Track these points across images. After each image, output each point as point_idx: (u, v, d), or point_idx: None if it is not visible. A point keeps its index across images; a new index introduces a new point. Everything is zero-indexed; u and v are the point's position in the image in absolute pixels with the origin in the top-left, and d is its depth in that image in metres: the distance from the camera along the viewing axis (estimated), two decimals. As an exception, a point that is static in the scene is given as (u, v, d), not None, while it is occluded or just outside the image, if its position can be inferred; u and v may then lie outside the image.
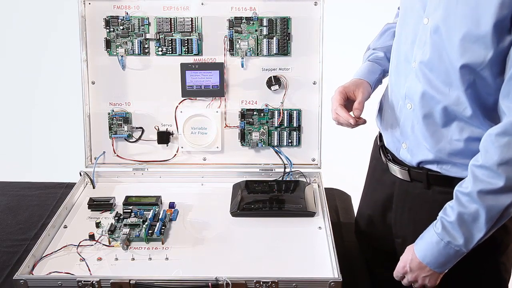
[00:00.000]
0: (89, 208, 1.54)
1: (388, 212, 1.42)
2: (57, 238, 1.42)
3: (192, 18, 1.64)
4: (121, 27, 1.65)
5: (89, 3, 1.64)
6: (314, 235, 1.43)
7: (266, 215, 1.51)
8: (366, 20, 2.49)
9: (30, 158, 3.24)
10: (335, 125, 1.42)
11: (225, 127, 1.71)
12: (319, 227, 1.46)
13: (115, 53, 1.66)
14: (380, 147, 1.44)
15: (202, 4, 1.64)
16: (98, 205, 1.54)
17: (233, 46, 1.65)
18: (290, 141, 1.71)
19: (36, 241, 1.35)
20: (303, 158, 1.72)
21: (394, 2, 1.46)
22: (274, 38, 1.64)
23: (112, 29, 1.65)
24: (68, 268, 1.28)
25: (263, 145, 1.71)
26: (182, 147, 1.71)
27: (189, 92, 1.67)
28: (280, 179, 1.69)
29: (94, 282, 1.20)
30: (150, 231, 1.39)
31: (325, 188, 1.63)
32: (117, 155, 1.72)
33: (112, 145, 1.72)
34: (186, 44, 1.65)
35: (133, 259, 1.32)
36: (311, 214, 1.51)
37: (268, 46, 1.64)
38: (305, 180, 1.68)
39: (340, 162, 2.49)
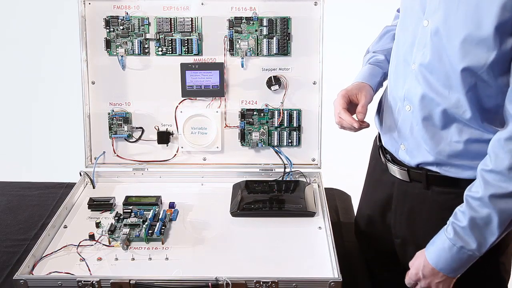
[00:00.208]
0: (89, 208, 1.54)
1: (388, 212, 1.42)
2: (57, 238, 1.42)
3: (192, 18, 1.64)
4: (121, 27, 1.65)
5: (89, 3, 1.64)
6: (314, 235, 1.43)
7: (266, 215, 1.51)
8: (366, 20, 2.49)
9: (30, 158, 3.24)
10: (338, 128, 1.42)
11: (225, 127, 1.71)
12: (319, 227, 1.46)
13: (115, 53, 1.66)
14: (379, 148, 1.44)
15: (202, 4, 1.64)
16: (98, 205, 1.54)
17: (233, 46, 1.65)
18: (290, 141, 1.70)
19: (36, 241, 1.35)
20: (303, 158, 1.72)
21: (394, 2, 1.45)
22: (274, 38, 1.64)
23: (112, 29, 1.65)
24: (68, 268, 1.28)
25: (263, 145, 1.71)
26: (182, 147, 1.71)
27: (189, 92, 1.67)
28: (280, 179, 1.69)
29: (94, 282, 1.20)
30: (150, 231, 1.39)
31: (325, 188, 1.63)
32: (117, 155, 1.72)
33: (112, 145, 1.72)
34: (186, 44, 1.65)
35: (133, 259, 1.32)
36: (311, 214, 1.50)
37: (268, 46, 1.64)
38: (305, 180, 1.68)
39: (340, 162, 2.49)
